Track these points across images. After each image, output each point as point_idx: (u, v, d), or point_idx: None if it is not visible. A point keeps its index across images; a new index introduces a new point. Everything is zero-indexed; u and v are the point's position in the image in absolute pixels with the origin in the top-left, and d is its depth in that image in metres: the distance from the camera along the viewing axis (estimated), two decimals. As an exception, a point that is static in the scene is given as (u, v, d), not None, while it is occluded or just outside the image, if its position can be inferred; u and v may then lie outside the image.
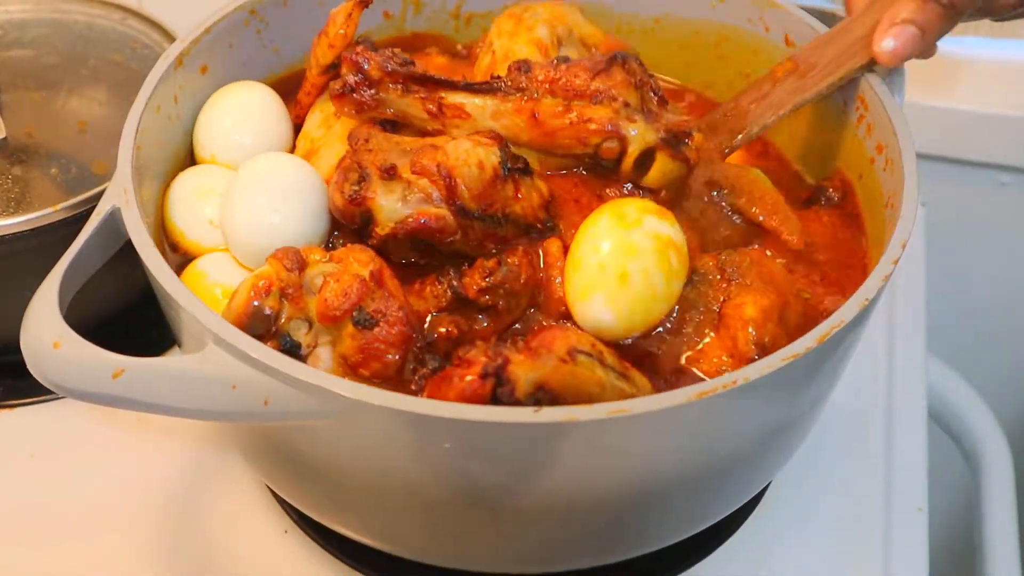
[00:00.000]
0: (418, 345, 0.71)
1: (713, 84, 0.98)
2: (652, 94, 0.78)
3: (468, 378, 0.64)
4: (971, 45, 1.22)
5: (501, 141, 0.75)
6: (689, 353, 0.75)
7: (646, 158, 0.77)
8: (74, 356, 0.65)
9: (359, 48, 0.78)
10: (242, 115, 0.85)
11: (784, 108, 0.85)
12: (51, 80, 0.99)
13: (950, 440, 1.15)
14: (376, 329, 0.69)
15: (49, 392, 0.67)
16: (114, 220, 0.73)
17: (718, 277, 0.77)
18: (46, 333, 0.66)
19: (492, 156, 0.74)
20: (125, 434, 0.93)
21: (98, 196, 0.80)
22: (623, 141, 0.76)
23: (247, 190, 0.78)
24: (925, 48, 0.81)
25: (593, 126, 0.76)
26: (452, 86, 0.78)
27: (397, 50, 0.79)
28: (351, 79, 0.78)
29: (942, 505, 1.09)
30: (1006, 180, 1.28)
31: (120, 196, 0.74)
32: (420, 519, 0.73)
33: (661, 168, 0.76)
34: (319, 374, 0.64)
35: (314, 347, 0.71)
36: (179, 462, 0.92)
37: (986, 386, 1.18)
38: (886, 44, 0.80)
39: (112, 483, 0.90)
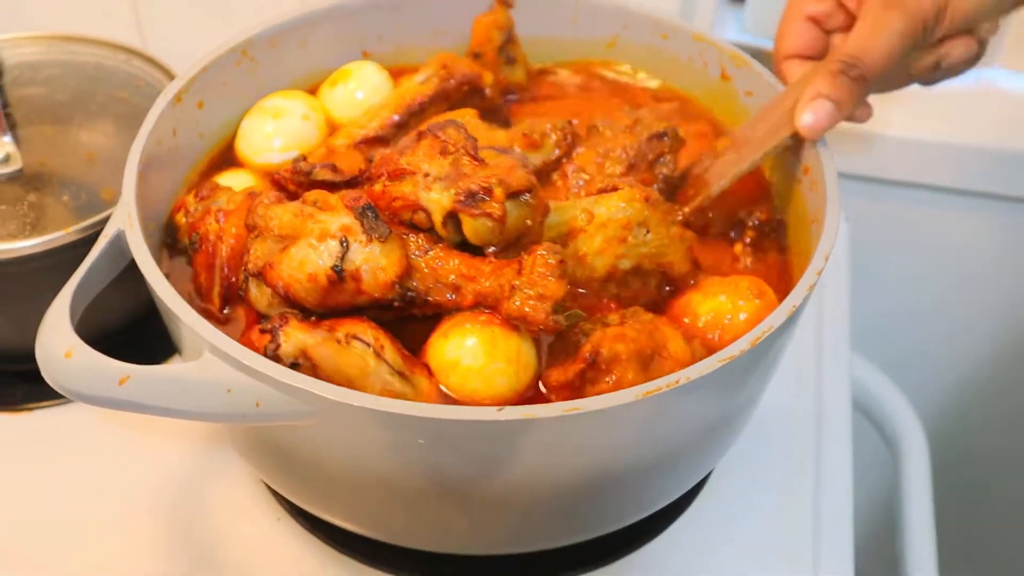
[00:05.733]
0: (232, 280, 0.77)
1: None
2: (467, 157, 0.73)
3: (256, 328, 0.70)
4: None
5: (346, 234, 0.70)
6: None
7: (459, 221, 0.72)
8: (84, 364, 0.66)
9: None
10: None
11: (724, 179, 0.84)
12: (63, 115, 1.00)
13: (873, 429, 1.16)
14: (197, 253, 0.78)
15: (63, 396, 0.67)
16: (119, 241, 0.74)
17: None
18: (58, 344, 0.67)
19: (326, 260, 0.70)
20: (132, 434, 0.94)
21: (105, 220, 0.82)
22: (426, 210, 0.72)
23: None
24: (840, 118, 0.80)
25: (399, 203, 0.72)
26: (334, 186, 0.76)
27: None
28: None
29: (866, 487, 1.10)
30: (923, 197, 1.30)
31: (125, 220, 0.75)
32: (397, 508, 0.74)
33: (470, 227, 0.72)
34: (305, 379, 0.65)
35: None
36: (181, 460, 0.92)
37: (905, 379, 1.20)
38: (805, 118, 0.80)
39: (119, 478, 0.91)
